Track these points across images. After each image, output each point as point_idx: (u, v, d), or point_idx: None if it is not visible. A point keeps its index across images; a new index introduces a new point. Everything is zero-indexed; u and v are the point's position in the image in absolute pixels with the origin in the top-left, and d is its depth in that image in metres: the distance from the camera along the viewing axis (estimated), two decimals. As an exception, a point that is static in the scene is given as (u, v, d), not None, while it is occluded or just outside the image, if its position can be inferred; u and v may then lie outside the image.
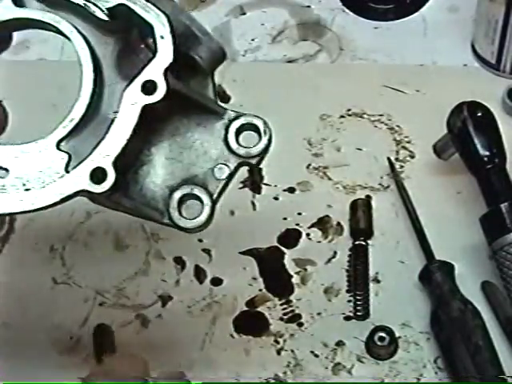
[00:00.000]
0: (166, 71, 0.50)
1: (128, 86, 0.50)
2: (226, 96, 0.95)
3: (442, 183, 0.87)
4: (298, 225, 0.84)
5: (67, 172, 0.50)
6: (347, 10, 1.04)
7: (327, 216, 0.85)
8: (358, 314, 0.79)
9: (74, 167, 0.50)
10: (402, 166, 0.89)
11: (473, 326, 0.74)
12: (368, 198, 0.86)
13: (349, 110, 0.94)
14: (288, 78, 0.97)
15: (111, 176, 0.50)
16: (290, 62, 1.00)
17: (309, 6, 1.05)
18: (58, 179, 0.50)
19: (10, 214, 0.51)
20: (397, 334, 0.77)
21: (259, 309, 0.80)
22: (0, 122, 0.57)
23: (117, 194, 0.51)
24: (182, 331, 0.79)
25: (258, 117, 0.54)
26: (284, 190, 0.87)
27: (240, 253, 0.83)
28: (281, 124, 0.93)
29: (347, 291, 0.80)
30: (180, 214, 0.53)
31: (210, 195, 0.53)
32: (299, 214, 0.85)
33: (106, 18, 0.52)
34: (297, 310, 0.80)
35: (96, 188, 0.50)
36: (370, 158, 0.89)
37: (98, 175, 0.50)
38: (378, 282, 0.81)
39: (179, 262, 0.83)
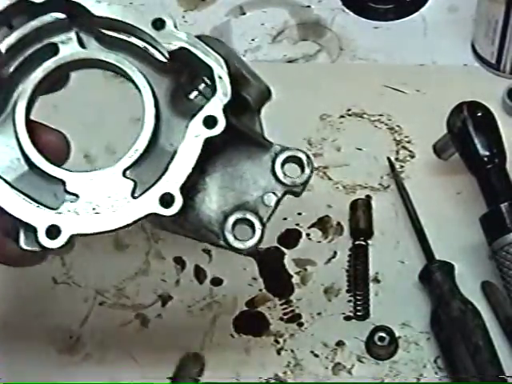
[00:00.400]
0: (225, 108, 0.55)
1: (191, 120, 0.55)
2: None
3: (442, 183, 0.87)
4: (297, 225, 0.84)
5: (134, 197, 0.55)
6: (347, 10, 1.04)
7: (327, 216, 0.85)
8: (358, 313, 0.79)
9: (142, 193, 0.55)
10: (402, 166, 0.89)
11: (473, 326, 0.74)
12: (368, 197, 0.86)
13: (349, 109, 0.94)
14: (288, 78, 0.96)
15: (179, 200, 0.54)
16: (289, 61, 1.00)
17: (309, 6, 1.05)
18: (127, 204, 0.55)
19: (83, 235, 0.55)
20: (397, 334, 0.77)
21: (259, 309, 0.80)
22: (63, 153, 0.60)
23: (181, 217, 0.56)
24: (181, 331, 0.79)
25: (301, 150, 0.60)
26: (284, 190, 0.87)
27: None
28: (281, 124, 0.93)
29: (347, 291, 0.80)
30: (234, 237, 0.59)
31: (261, 219, 0.59)
32: (299, 214, 0.85)
33: (164, 60, 0.56)
34: (297, 309, 0.80)
35: (165, 211, 0.54)
36: (369, 158, 0.89)
37: (167, 200, 0.54)
38: (378, 281, 0.81)
39: (179, 261, 0.83)
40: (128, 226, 0.55)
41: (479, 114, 0.80)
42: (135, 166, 0.56)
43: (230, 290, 0.81)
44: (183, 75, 0.57)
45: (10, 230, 0.56)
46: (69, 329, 0.79)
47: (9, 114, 0.57)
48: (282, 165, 0.60)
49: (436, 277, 0.78)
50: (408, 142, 0.91)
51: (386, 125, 0.92)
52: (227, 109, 0.55)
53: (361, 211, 0.84)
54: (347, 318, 0.79)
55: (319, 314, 0.79)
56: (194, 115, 0.55)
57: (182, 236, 0.63)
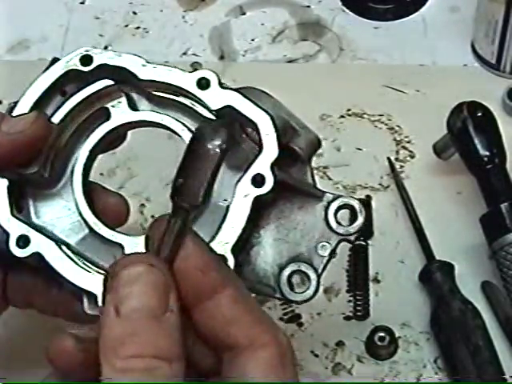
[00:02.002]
0: (273, 165, 0.55)
1: (240, 180, 0.55)
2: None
3: (442, 183, 0.87)
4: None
5: None
6: (347, 10, 1.04)
7: (327, 216, 0.85)
8: (358, 313, 0.79)
9: None
10: (402, 166, 0.89)
11: (473, 326, 0.74)
12: (368, 197, 0.86)
13: (349, 109, 0.94)
14: (288, 78, 0.97)
15: (231, 261, 0.54)
16: (290, 61, 1.00)
17: (309, 6, 1.05)
18: None
19: None
20: (397, 334, 0.77)
21: (259, 309, 0.80)
22: (122, 215, 0.62)
23: (237, 273, 0.55)
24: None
25: (353, 197, 0.59)
26: (284, 190, 0.87)
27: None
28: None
29: (347, 291, 0.80)
30: (291, 289, 0.58)
31: (315, 270, 0.58)
32: (299, 213, 0.85)
33: (212, 117, 0.57)
34: (297, 310, 0.80)
35: None
36: (369, 158, 0.89)
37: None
38: (378, 281, 0.81)
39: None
40: None
41: (479, 114, 0.80)
42: (192, 223, 0.56)
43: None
44: (234, 127, 0.57)
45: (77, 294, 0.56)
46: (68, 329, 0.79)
47: (68, 178, 0.59)
48: (335, 213, 0.59)
49: (436, 277, 0.78)
50: (408, 142, 0.91)
51: (386, 125, 0.92)
52: (275, 166, 0.55)
53: (361, 211, 0.84)
54: (347, 318, 0.79)
55: (319, 314, 0.79)
56: (244, 170, 0.55)
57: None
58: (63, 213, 0.59)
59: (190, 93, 0.57)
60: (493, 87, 0.93)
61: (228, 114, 0.56)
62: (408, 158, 0.89)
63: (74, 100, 0.58)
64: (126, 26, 1.04)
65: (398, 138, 0.91)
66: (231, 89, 0.57)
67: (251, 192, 0.55)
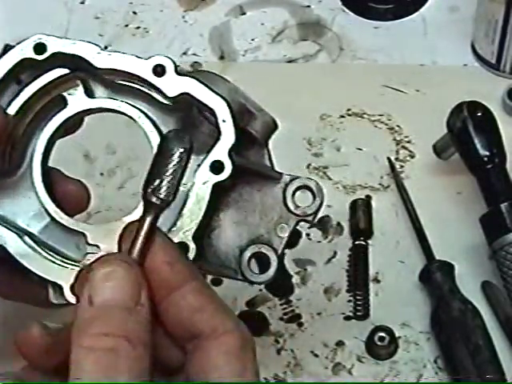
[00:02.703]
0: (231, 151, 0.55)
1: (198, 167, 0.55)
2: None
3: (442, 183, 0.87)
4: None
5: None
6: (347, 10, 1.04)
7: (327, 216, 0.85)
8: (358, 314, 0.79)
9: None
10: (402, 166, 0.89)
11: (473, 326, 0.74)
12: (368, 197, 0.86)
13: (349, 109, 0.94)
14: (288, 78, 0.97)
15: (192, 248, 0.55)
16: (290, 61, 1.00)
17: (309, 6, 1.05)
18: None
19: None
20: (397, 334, 0.77)
21: (259, 309, 0.80)
22: (83, 202, 0.63)
23: (199, 261, 0.56)
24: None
25: (310, 179, 0.60)
26: (284, 190, 0.87)
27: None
28: (281, 124, 0.93)
29: (347, 291, 0.80)
30: (251, 270, 0.59)
31: (275, 251, 0.59)
32: (299, 213, 0.85)
33: (168, 103, 0.57)
34: (297, 310, 0.80)
35: None
36: (369, 158, 0.89)
37: (182, 248, 0.55)
38: (378, 281, 0.81)
39: (179, 261, 0.83)
40: None
41: (479, 114, 0.80)
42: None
43: (230, 290, 0.81)
44: (192, 111, 0.58)
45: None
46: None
47: (27, 167, 0.59)
48: (293, 195, 0.60)
49: (436, 277, 0.78)
50: (408, 141, 0.91)
51: (386, 125, 0.92)
52: (233, 152, 0.56)
53: (361, 211, 0.84)
54: (347, 318, 0.79)
55: (319, 314, 0.79)
56: (205, 153, 0.56)
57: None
58: (23, 201, 0.59)
59: (146, 80, 0.57)
60: (493, 87, 0.93)
61: (185, 101, 0.56)
62: (408, 158, 0.89)
63: (29, 90, 0.58)
64: (126, 25, 1.04)
65: (398, 138, 0.91)
66: (187, 75, 0.57)
67: (210, 179, 0.55)
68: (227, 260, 0.59)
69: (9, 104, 0.58)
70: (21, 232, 0.57)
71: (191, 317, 0.50)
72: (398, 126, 0.92)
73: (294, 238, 0.84)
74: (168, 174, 0.56)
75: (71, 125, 0.61)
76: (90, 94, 0.59)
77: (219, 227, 0.59)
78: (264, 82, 0.97)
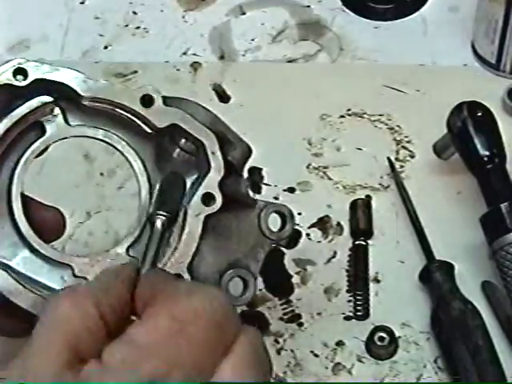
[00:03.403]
0: (221, 183, 0.57)
1: (190, 200, 0.57)
2: (226, 96, 0.95)
3: (442, 183, 0.87)
4: (297, 225, 0.84)
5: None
6: (347, 10, 1.04)
7: (327, 216, 0.85)
8: (358, 313, 0.79)
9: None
10: (402, 166, 0.89)
11: (473, 326, 0.74)
12: (368, 197, 0.86)
13: (349, 109, 0.94)
14: (288, 78, 0.97)
15: (187, 279, 0.57)
16: (289, 61, 1.00)
17: (309, 6, 1.05)
18: None
19: None
20: (397, 334, 0.77)
21: (259, 309, 0.80)
22: (60, 228, 0.62)
23: None
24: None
25: (283, 205, 0.62)
26: (284, 190, 0.87)
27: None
28: (281, 124, 0.93)
29: (347, 291, 0.80)
30: (231, 294, 0.61)
31: (252, 274, 0.61)
32: (299, 213, 0.85)
33: (151, 132, 0.58)
34: (297, 309, 0.80)
35: None
36: (369, 158, 0.89)
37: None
38: (378, 281, 0.81)
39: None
40: None
41: (479, 114, 0.80)
42: (136, 242, 0.58)
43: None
44: (164, 138, 0.59)
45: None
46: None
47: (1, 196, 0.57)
48: (267, 220, 0.61)
49: (436, 277, 0.78)
50: (408, 141, 0.91)
51: (386, 125, 0.92)
52: (222, 183, 0.57)
53: (361, 211, 0.84)
54: (347, 318, 0.79)
55: (319, 313, 0.79)
56: (194, 188, 0.57)
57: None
58: None
59: (134, 110, 0.57)
60: (493, 87, 0.93)
61: (170, 131, 0.57)
62: (408, 158, 0.89)
63: (8, 120, 0.56)
64: (126, 25, 1.04)
65: (398, 138, 0.91)
66: (173, 106, 0.57)
67: (203, 211, 0.57)
68: (208, 284, 0.60)
69: None
70: (2, 265, 0.56)
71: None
72: (398, 126, 0.92)
73: (294, 238, 0.84)
74: (174, 193, 0.58)
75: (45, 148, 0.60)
76: (67, 120, 0.58)
77: (199, 253, 0.59)
78: (264, 81, 0.97)
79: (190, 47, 1.02)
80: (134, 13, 1.06)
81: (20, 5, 1.06)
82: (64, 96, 0.57)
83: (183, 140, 0.59)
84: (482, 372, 0.72)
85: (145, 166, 0.59)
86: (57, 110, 0.58)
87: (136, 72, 0.97)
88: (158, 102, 0.57)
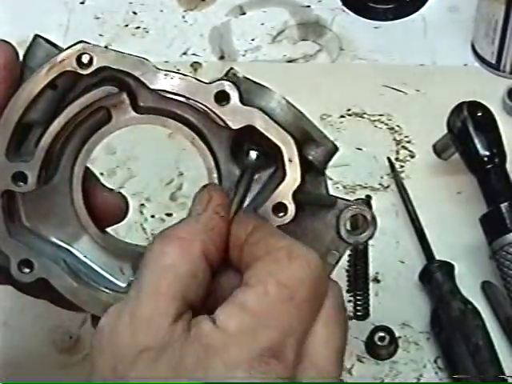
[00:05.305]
0: (295, 193, 0.52)
1: (262, 203, 0.53)
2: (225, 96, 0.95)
3: (442, 183, 0.87)
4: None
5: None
6: (347, 10, 1.04)
7: (327, 216, 0.85)
8: (358, 313, 0.79)
9: None
10: (402, 166, 0.89)
11: (473, 326, 0.74)
12: (368, 197, 0.86)
13: (349, 109, 0.94)
14: (288, 78, 0.97)
15: None
16: (289, 61, 1.00)
17: (309, 6, 1.05)
18: None
19: None
20: (397, 334, 0.77)
21: (259, 309, 0.80)
22: (121, 212, 0.60)
23: None
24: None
25: (365, 208, 0.56)
26: (284, 190, 0.87)
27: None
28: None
29: (347, 291, 0.80)
30: None
31: None
32: (299, 213, 0.85)
33: (228, 128, 0.53)
34: (297, 309, 0.79)
35: None
36: (369, 158, 0.89)
37: None
38: (378, 281, 0.81)
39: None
40: None
41: (479, 114, 0.80)
42: None
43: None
44: (242, 136, 0.54)
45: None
46: (69, 329, 0.79)
47: (60, 180, 0.56)
48: (346, 223, 0.56)
49: (436, 277, 0.78)
50: (408, 141, 0.91)
51: (386, 125, 0.92)
52: (297, 193, 0.53)
53: (361, 211, 0.84)
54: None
55: (319, 314, 0.79)
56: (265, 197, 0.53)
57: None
58: (59, 219, 0.56)
59: (207, 107, 0.52)
60: (493, 87, 0.93)
61: (247, 132, 0.53)
62: (408, 158, 0.89)
63: (73, 108, 0.54)
64: (126, 25, 1.04)
65: (398, 138, 0.91)
66: (252, 95, 0.53)
67: (273, 221, 0.53)
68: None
69: (45, 113, 0.53)
70: (63, 253, 0.55)
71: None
72: (398, 126, 0.92)
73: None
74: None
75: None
76: (136, 106, 0.54)
77: None
78: (264, 82, 0.96)
79: (189, 47, 1.02)
80: (134, 13, 1.06)
81: (20, 5, 1.06)
82: (131, 86, 0.54)
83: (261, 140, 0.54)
84: (481, 372, 0.72)
85: (217, 163, 0.55)
86: (124, 96, 0.54)
87: (136, 72, 0.97)
88: (235, 99, 0.52)
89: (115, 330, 0.46)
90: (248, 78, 0.55)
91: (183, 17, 1.05)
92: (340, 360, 0.47)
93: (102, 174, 0.89)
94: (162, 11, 1.06)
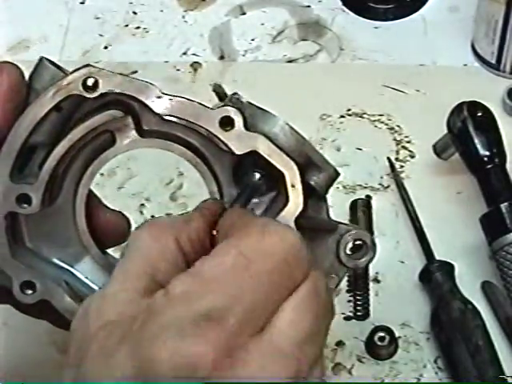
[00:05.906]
0: (297, 218, 0.53)
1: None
2: (226, 96, 0.95)
3: (442, 183, 0.87)
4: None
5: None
6: (347, 10, 1.04)
7: (327, 216, 0.85)
8: (358, 313, 0.79)
9: None
10: (402, 166, 0.89)
11: (473, 326, 0.74)
12: (368, 197, 0.86)
13: (349, 110, 0.94)
14: (288, 78, 0.97)
15: None
16: (289, 61, 1.00)
17: (309, 6, 1.05)
18: None
19: None
20: (397, 334, 0.77)
21: (259, 309, 0.80)
22: (123, 233, 0.60)
23: None
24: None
25: (366, 233, 0.56)
26: (284, 190, 0.87)
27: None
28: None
29: (347, 291, 0.80)
30: None
31: None
32: (299, 213, 0.85)
33: (228, 151, 0.53)
34: (297, 309, 0.79)
35: None
36: (370, 158, 0.89)
37: None
38: (378, 282, 0.81)
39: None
40: None
41: (479, 114, 0.80)
42: None
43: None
44: (245, 159, 0.55)
45: None
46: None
47: (63, 201, 0.56)
48: (346, 248, 0.56)
49: (436, 277, 0.78)
50: (408, 141, 0.91)
51: (386, 125, 0.92)
52: (299, 219, 0.53)
53: (361, 211, 0.84)
54: (347, 318, 0.79)
55: (319, 314, 0.79)
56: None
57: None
58: (60, 238, 0.57)
59: (211, 132, 0.53)
60: (493, 87, 0.93)
61: (250, 157, 0.53)
62: (408, 158, 0.89)
63: (77, 132, 0.54)
64: (126, 25, 1.04)
65: (398, 138, 0.91)
66: (255, 120, 0.54)
67: None
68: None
69: (49, 135, 0.54)
70: (65, 274, 0.56)
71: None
72: (398, 125, 0.92)
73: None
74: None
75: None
76: (140, 130, 0.55)
77: None
78: (264, 81, 0.97)
79: (189, 47, 1.02)
80: (134, 13, 1.06)
81: (20, 5, 1.06)
82: (135, 109, 0.54)
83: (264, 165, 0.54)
84: (481, 372, 0.72)
85: (219, 187, 0.56)
86: (129, 120, 0.55)
87: (136, 72, 0.97)
88: (239, 125, 0.52)
89: (86, 312, 0.46)
90: (252, 103, 0.55)
91: (183, 17, 1.05)
92: (306, 345, 0.45)
93: (102, 174, 0.89)
94: (162, 11, 1.06)
